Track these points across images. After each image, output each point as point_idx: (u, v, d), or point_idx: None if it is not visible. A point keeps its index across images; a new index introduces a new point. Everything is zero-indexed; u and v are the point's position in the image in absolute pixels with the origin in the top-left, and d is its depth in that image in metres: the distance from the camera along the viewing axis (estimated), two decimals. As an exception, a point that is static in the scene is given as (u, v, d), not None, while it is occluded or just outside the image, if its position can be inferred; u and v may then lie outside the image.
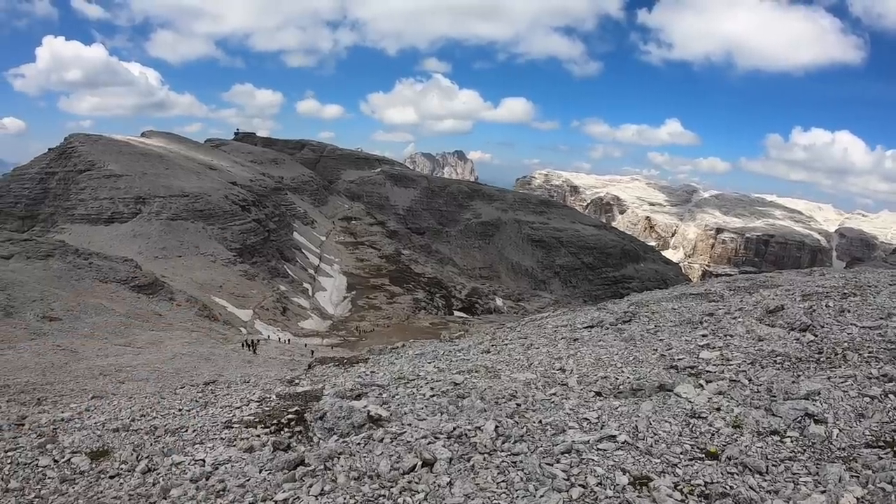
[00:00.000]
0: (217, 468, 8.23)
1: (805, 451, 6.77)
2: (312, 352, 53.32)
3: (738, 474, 6.39)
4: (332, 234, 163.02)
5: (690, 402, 8.52)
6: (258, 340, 59.22)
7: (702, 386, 9.14)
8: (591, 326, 16.49)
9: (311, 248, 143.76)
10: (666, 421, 7.92)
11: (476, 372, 11.94)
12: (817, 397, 7.87)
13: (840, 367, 9.35)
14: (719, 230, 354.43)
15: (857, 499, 5.63)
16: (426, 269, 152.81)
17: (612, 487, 6.19)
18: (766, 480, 6.23)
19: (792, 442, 6.98)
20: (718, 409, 8.14)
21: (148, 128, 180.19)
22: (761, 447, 6.93)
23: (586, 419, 8.28)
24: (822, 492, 5.84)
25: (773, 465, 6.52)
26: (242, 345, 51.23)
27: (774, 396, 8.25)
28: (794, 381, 8.71)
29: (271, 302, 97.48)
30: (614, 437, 7.49)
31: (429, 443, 7.57)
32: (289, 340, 74.01)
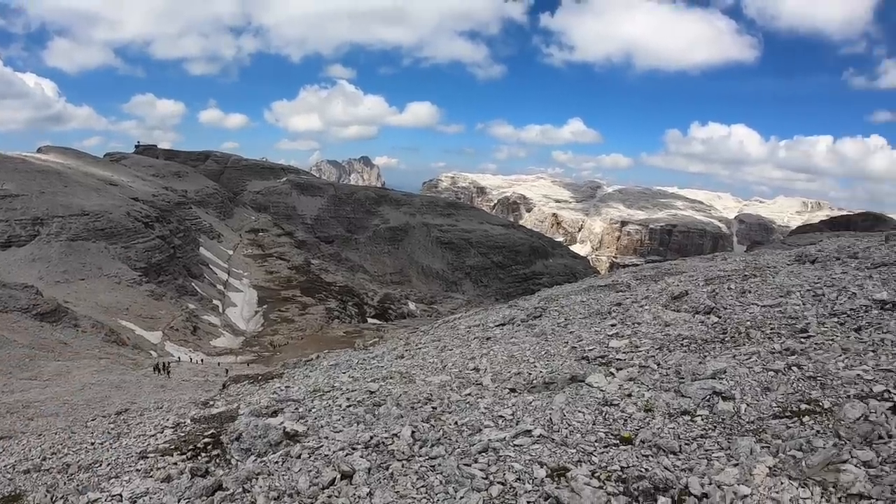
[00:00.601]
0: (135, 502, 7.97)
1: (716, 427, 7.10)
2: (227, 370, 51.78)
3: (652, 456, 6.63)
4: (239, 247, 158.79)
5: (602, 390, 8.79)
6: (170, 363, 57.17)
7: (613, 374, 9.45)
8: (503, 324, 16.76)
9: (218, 263, 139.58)
10: (579, 411, 8.13)
11: (391, 378, 11.97)
12: (723, 375, 8.27)
13: (744, 344, 9.86)
14: (624, 223, 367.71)
15: (770, 468, 5.95)
16: (337, 278, 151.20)
17: (531, 481, 6.31)
18: (680, 459, 6.50)
19: (703, 420, 7.31)
20: (630, 395, 8.43)
21: (44, 143, 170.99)
22: (673, 428, 7.22)
23: (501, 416, 8.41)
24: (735, 465, 6.14)
25: (686, 444, 6.80)
26: (154, 369, 49.33)
27: (683, 378, 8.61)
28: (700, 362, 9.13)
29: (181, 322, 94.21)
30: (530, 431, 7.64)
31: (346, 455, 7.52)
32: (202, 360, 71.83)
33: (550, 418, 8.03)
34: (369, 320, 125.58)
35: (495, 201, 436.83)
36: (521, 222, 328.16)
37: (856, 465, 5.72)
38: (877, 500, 5.28)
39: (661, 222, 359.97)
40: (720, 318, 11.73)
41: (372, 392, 10.86)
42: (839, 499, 5.43)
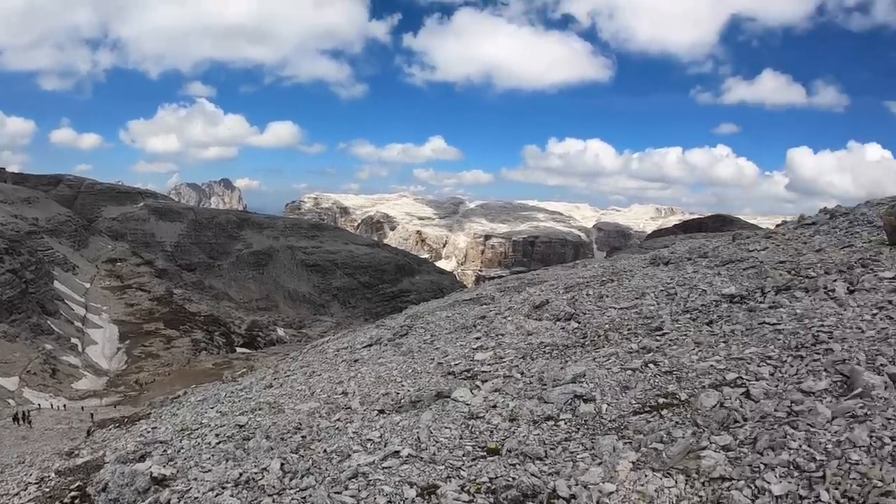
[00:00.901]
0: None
1: (579, 429, 7.30)
2: (91, 415, 48.19)
3: (519, 464, 6.72)
4: (96, 279, 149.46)
5: (468, 404, 8.86)
6: (30, 411, 52.62)
7: (478, 387, 9.56)
8: (371, 345, 16.64)
9: (75, 298, 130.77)
10: (446, 427, 8.15)
11: (260, 410, 11.64)
12: (583, 378, 8.54)
13: (603, 347, 10.25)
14: (487, 236, 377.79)
15: (633, 463, 6.18)
16: (202, 307, 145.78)
17: (402, 502, 6.26)
18: (546, 465, 6.62)
19: (566, 424, 7.49)
20: (495, 406, 8.54)
21: None
22: (538, 434, 7.36)
23: (370, 440, 8.33)
24: (599, 464, 6.32)
25: (552, 449, 6.95)
26: (13, 419, 45.24)
27: (545, 385, 8.82)
28: (562, 368, 9.39)
29: (38, 365, 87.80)
30: (398, 452, 7.58)
31: (216, 495, 7.21)
32: (64, 406, 67.20)
33: (418, 437, 8.01)
34: (238, 350, 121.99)
35: (359, 221, 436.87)
36: (385, 241, 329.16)
37: (715, 450, 6.02)
38: (737, 480, 5.55)
39: (524, 234, 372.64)
40: (580, 323, 12.15)
41: (241, 426, 10.52)
42: (702, 483, 5.67)
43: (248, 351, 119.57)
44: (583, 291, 15.10)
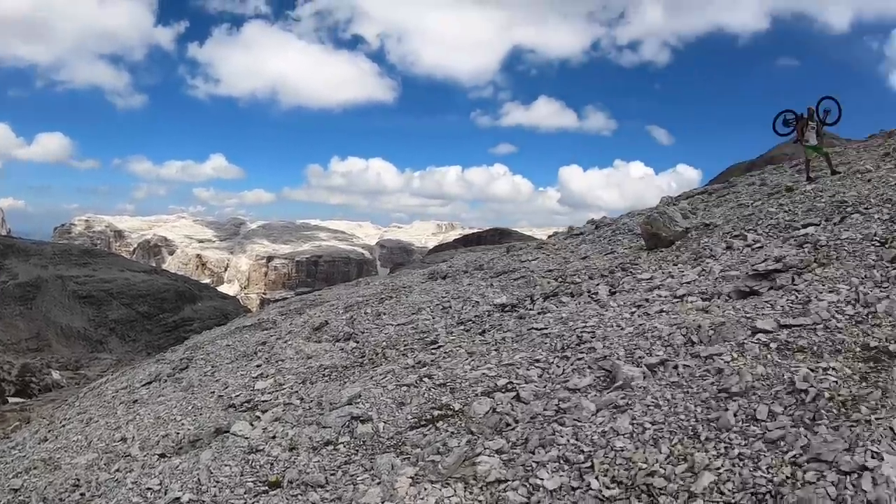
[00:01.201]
0: None
1: (358, 451, 7.37)
2: None
3: (301, 495, 6.66)
4: None
5: (247, 438, 8.64)
6: None
7: (258, 417, 9.35)
8: (150, 382, 15.61)
9: None
10: (226, 465, 7.90)
11: (35, 469, 10.67)
12: (359, 399, 8.66)
13: (381, 364, 10.43)
14: (270, 258, 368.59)
15: (411, 477, 6.34)
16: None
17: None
18: (328, 491, 6.62)
19: (345, 447, 7.54)
20: (274, 437, 8.40)
21: None
22: (318, 461, 7.34)
23: (150, 489, 7.93)
24: (378, 483, 6.43)
25: (332, 474, 6.95)
26: None
27: (323, 409, 8.82)
28: (340, 390, 9.44)
29: None
30: (179, 499, 7.31)
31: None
32: None
33: (198, 479, 7.72)
34: (10, 400, 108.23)
35: (135, 245, 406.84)
36: (164, 266, 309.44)
37: (489, 455, 6.34)
38: (512, 480, 5.90)
39: (307, 254, 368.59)
40: (358, 342, 12.27)
41: (16, 490, 9.67)
42: (480, 489, 5.94)
43: (22, 400, 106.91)
44: (362, 310, 15.25)
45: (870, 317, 7.58)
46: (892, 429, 5.23)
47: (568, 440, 6.21)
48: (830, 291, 8.47)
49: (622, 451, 5.82)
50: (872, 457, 4.87)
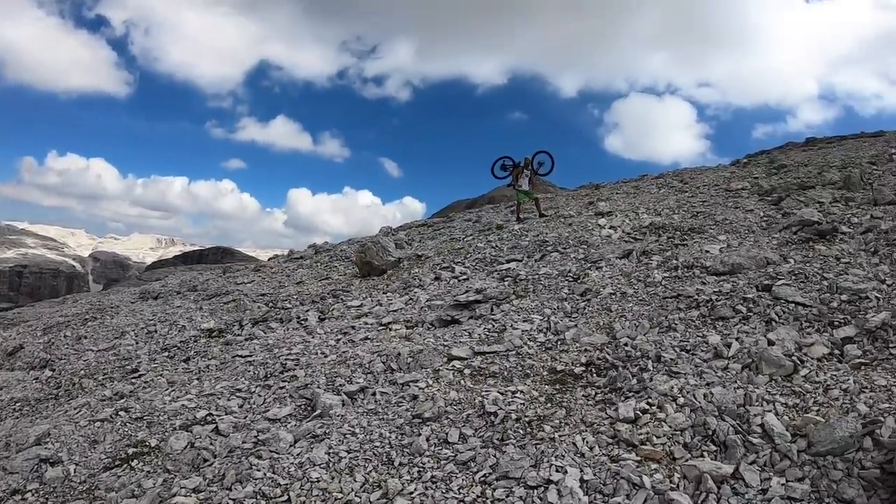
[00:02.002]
0: None
1: (48, 499, 6.54)
2: None
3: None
4: None
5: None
6: None
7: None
8: None
9: None
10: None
11: None
12: (48, 438, 7.75)
13: (77, 397, 9.48)
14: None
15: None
16: None
17: None
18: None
19: (34, 496, 6.60)
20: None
21: None
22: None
23: None
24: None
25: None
26: None
27: (10, 451, 7.72)
28: (30, 427, 8.37)
29: None
30: None
31: None
32: None
33: None
34: None
35: None
36: None
37: (185, 495, 5.91)
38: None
39: (11, 262, 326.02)
40: (55, 371, 11.07)
41: None
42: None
43: None
44: (62, 332, 13.82)
45: (559, 343, 8.36)
46: (574, 444, 5.77)
47: (265, 474, 6.03)
48: (525, 321, 9.24)
49: (318, 481, 5.77)
50: (557, 471, 5.32)
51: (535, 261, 12.41)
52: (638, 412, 6.14)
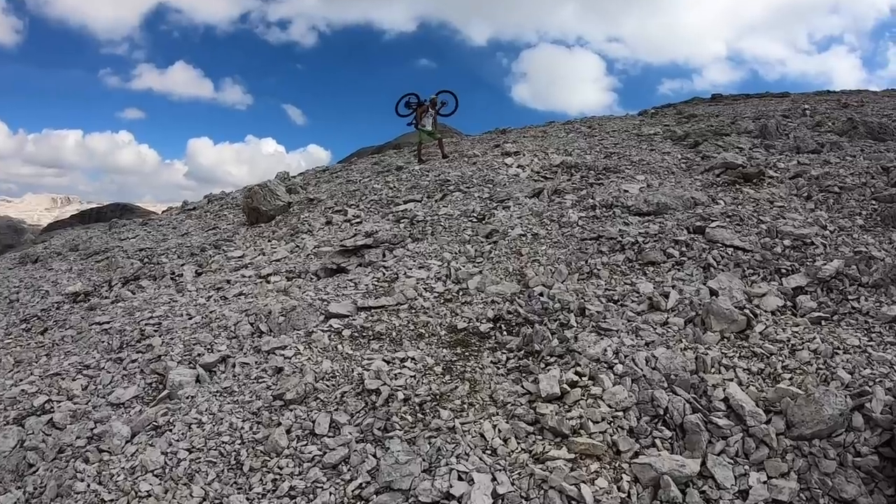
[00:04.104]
0: None
1: None
2: None
3: None
4: None
5: None
6: None
7: None
8: None
9: None
10: None
11: None
12: None
13: None
14: None
15: None
16: None
17: None
18: None
19: None
20: None
21: None
22: None
23: None
24: None
25: None
26: None
27: None
28: None
29: None
30: None
31: None
32: None
33: None
34: None
35: None
36: None
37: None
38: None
39: None
40: None
41: None
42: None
43: None
44: None
45: (460, 294, 6.79)
46: (482, 436, 4.17)
47: (89, 485, 4.25)
48: (420, 267, 7.56)
49: (148, 496, 4.05)
50: (460, 478, 3.75)
51: (436, 201, 10.67)
52: (565, 386, 4.55)
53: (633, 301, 5.99)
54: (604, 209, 8.92)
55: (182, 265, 10.03)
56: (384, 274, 7.47)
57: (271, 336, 6.16)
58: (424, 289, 6.85)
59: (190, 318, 7.10)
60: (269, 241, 10.72)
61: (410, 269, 7.50)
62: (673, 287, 6.13)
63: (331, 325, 6.08)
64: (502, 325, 5.98)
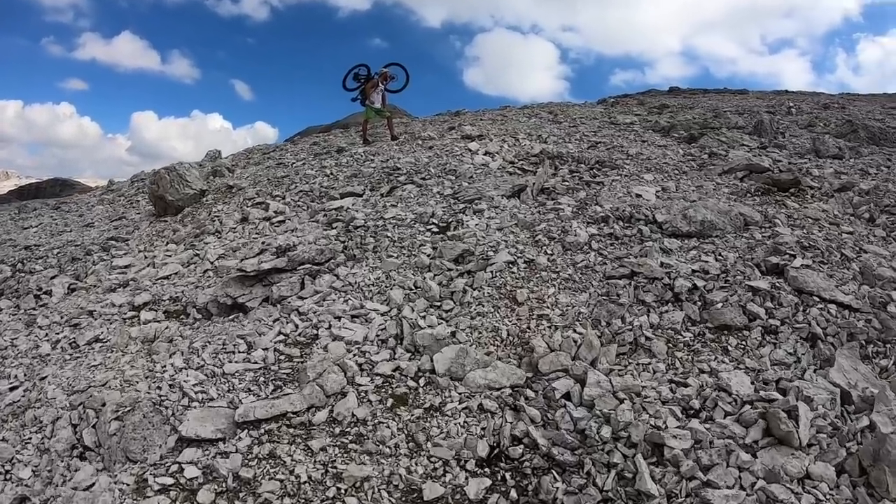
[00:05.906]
0: None
1: None
2: None
3: None
4: None
5: None
6: None
7: None
8: None
9: None
10: None
11: None
12: None
13: None
14: None
15: None
16: None
17: None
18: None
19: None
20: None
21: None
22: None
23: None
24: None
25: None
26: None
27: None
28: None
29: None
30: None
31: None
32: None
33: None
34: None
35: None
36: None
37: None
38: None
39: None
40: None
41: None
42: None
43: None
44: None
45: (422, 381, 3.96)
46: None
47: None
48: (356, 318, 4.65)
49: None
50: None
51: (382, 195, 7.60)
52: None
53: (727, 415, 3.27)
54: (621, 222, 6.02)
55: (53, 278, 6.89)
56: (297, 327, 4.45)
57: (86, 472, 3.17)
58: (359, 366, 3.90)
59: (11, 391, 4.16)
60: (166, 243, 7.66)
61: (339, 318, 4.49)
62: (788, 387, 3.43)
63: (180, 468, 3.09)
64: (507, 476, 3.18)
